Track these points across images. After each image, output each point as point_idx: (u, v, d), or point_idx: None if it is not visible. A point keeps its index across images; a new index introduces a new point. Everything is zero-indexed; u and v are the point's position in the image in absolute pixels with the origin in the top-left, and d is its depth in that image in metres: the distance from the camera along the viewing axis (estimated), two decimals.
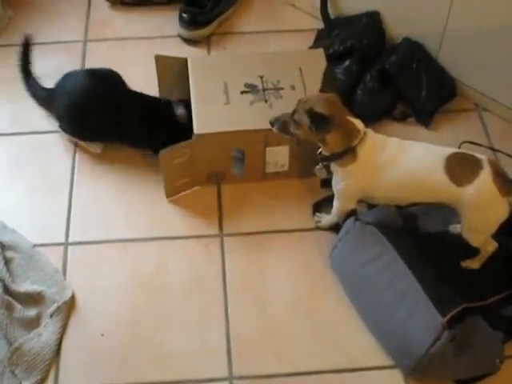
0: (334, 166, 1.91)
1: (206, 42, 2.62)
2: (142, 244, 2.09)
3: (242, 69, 2.18)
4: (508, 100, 2.37)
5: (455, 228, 2.01)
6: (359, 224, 1.95)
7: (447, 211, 1.91)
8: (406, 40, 2.46)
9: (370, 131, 1.87)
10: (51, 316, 1.91)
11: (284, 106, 2.02)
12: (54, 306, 1.91)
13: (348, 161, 1.85)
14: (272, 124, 1.91)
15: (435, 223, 2.04)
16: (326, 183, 2.06)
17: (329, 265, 2.03)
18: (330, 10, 2.61)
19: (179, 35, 2.61)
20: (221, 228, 2.12)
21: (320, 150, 1.92)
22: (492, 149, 2.29)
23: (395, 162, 1.84)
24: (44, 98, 2.30)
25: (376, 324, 1.89)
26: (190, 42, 2.61)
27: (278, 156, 2.12)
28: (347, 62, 2.40)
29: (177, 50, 2.57)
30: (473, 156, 1.82)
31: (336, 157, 1.86)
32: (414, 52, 2.44)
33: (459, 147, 2.19)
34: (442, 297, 1.79)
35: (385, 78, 2.39)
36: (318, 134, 1.83)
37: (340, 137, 1.83)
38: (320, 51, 2.27)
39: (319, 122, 1.80)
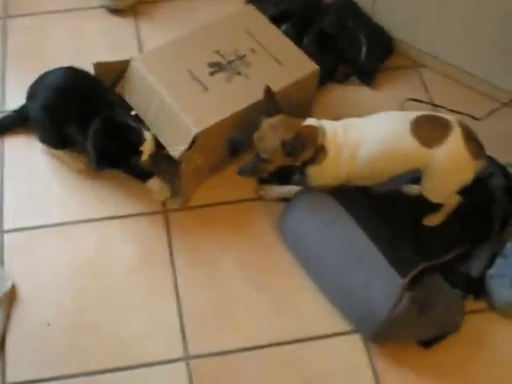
0: (307, 171, 1.86)
1: (132, 11, 2.50)
2: (80, 226, 1.99)
3: (194, 51, 2.07)
4: (445, 54, 2.34)
5: (410, 188, 1.99)
6: (311, 192, 1.90)
7: None
8: None
9: (325, 122, 1.83)
10: None
11: (259, 70, 2.01)
12: None
13: (320, 158, 1.81)
14: (242, 174, 1.86)
15: (386, 183, 2.00)
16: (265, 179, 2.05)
17: (279, 235, 1.97)
18: None
19: (103, 6, 2.49)
20: (164, 204, 2.03)
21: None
22: (434, 105, 2.26)
23: (362, 140, 1.81)
24: (18, 118, 2.13)
25: (334, 290, 1.85)
26: (115, 12, 2.49)
27: None
28: (284, 27, 2.32)
29: (101, 22, 2.47)
30: (440, 117, 1.80)
31: (309, 161, 1.82)
32: (348, 10, 2.40)
33: (403, 105, 2.16)
34: (400, 258, 1.76)
35: (323, 40, 2.33)
36: (296, 158, 1.80)
37: (309, 146, 1.79)
38: (251, 8, 2.22)
39: (295, 150, 1.77)
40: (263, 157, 1.80)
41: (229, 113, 1.93)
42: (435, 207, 1.92)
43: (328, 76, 2.31)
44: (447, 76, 2.36)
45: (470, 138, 1.77)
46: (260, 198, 2.06)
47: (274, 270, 1.93)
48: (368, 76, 2.34)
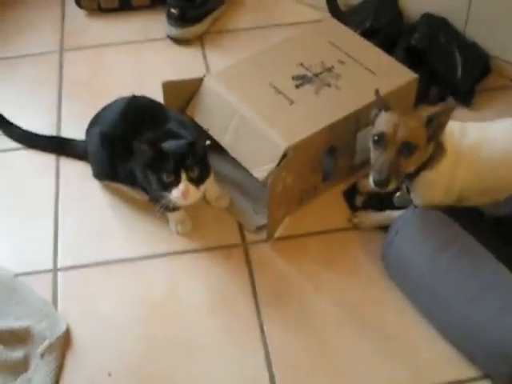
0: (419, 179, 1.57)
1: (198, 41, 2.30)
2: (145, 263, 1.71)
3: (275, 65, 1.85)
4: None
5: None
6: (420, 210, 1.60)
7: None
8: (427, 16, 2.18)
9: None
10: (42, 356, 1.50)
11: (349, 82, 1.77)
12: (45, 344, 1.52)
13: (438, 158, 1.54)
14: (379, 178, 1.49)
15: (499, 206, 1.69)
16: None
17: (381, 268, 1.65)
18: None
19: (168, 36, 2.30)
20: (242, 235, 1.74)
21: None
22: None
23: (483, 142, 1.55)
24: (78, 147, 1.90)
25: (454, 327, 1.50)
26: (180, 42, 2.29)
27: (367, 138, 1.68)
28: None
29: (166, 52, 2.28)
30: None
31: (427, 162, 1.54)
32: (438, 27, 2.15)
33: None
34: None
35: (413, 57, 2.07)
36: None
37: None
38: (330, 19, 2.06)
39: (441, 126, 1.50)
40: (410, 145, 1.48)
41: (320, 126, 1.67)
42: None
43: (419, 97, 2.03)
44: None
45: None
46: (354, 228, 1.75)
47: (379, 308, 1.60)
48: (466, 96, 2.06)
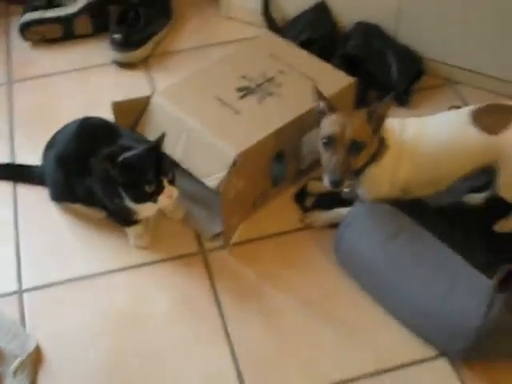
0: (366, 174, 1.66)
1: (143, 64, 2.37)
2: (107, 277, 1.76)
3: (218, 79, 1.93)
4: (482, 67, 2.19)
5: (472, 197, 1.79)
6: (369, 204, 1.69)
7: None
8: (360, 24, 2.29)
9: None
10: (15, 374, 1.54)
11: (290, 90, 1.87)
12: (17, 362, 1.55)
13: (382, 153, 1.63)
14: (334, 178, 1.57)
15: (441, 196, 1.79)
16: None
17: (334, 261, 1.73)
18: (273, 14, 2.42)
19: (114, 61, 2.36)
20: (200, 244, 1.81)
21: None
22: None
23: (423, 134, 1.65)
24: (34, 173, 1.95)
25: (409, 311, 1.59)
26: (126, 66, 2.35)
27: (312, 142, 1.79)
28: None
29: (113, 77, 2.34)
30: (499, 103, 1.64)
31: (373, 156, 1.63)
32: (372, 34, 2.26)
33: None
34: (481, 263, 1.53)
35: (349, 64, 2.17)
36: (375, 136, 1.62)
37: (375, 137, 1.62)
38: (268, 33, 2.16)
39: (382, 118, 1.60)
40: (358, 143, 1.56)
41: (266, 132, 1.75)
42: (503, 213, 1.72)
43: (359, 101, 2.13)
44: (487, 90, 2.19)
45: None
46: (307, 227, 1.83)
47: (336, 299, 1.68)
48: (403, 96, 2.17)
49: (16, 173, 1.99)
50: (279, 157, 1.84)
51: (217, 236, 1.81)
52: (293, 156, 1.88)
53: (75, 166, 1.74)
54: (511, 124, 1.58)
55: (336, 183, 1.57)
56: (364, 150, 1.58)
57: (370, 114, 1.57)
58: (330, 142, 1.58)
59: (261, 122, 1.79)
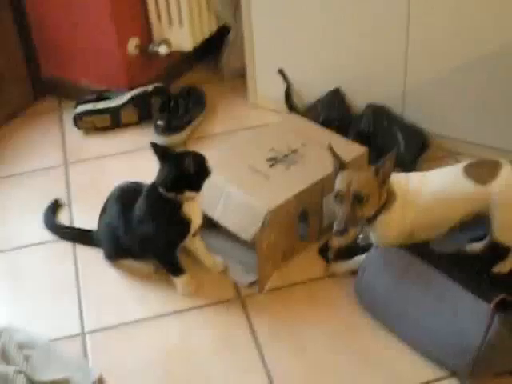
0: (376, 223, 1.92)
1: (182, 147, 2.69)
2: (158, 320, 2.02)
3: (250, 151, 2.26)
4: (480, 139, 2.50)
5: (473, 246, 2.06)
6: (380, 249, 1.96)
7: (456, 234, 1.99)
8: (370, 105, 2.62)
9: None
10: None
11: (312, 159, 2.19)
12: None
13: (390, 204, 1.89)
14: (339, 229, 1.83)
15: (447, 246, 2.05)
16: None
17: (355, 301, 2.00)
18: (294, 102, 2.77)
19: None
20: (238, 291, 2.09)
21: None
22: None
23: (424, 186, 1.92)
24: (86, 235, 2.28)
25: (421, 336, 1.83)
26: None
27: (331, 203, 2.06)
28: None
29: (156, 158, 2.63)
30: (487, 159, 1.93)
31: (383, 207, 1.89)
32: (381, 113, 2.59)
33: None
34: (480, 290, 1.77)
35: (362, 140, 2.48)
36: (381, 189, 1.87)
37: (383, 189, 1.88)
38: (292, 115, 2.53)
39: (388, 173, 1.86)
40: (360, 196, 1.82)
41: (292, 193, 2.06)
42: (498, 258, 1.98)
43: None
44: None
45: None
46: (331, 276, 2.10)
47: (357, 333, 1.94)
48: (409, 167, 2.46)
49: (76, 235, 2.29)
50: (304, 214, 2.13)
51: (253, 284, 2.08)
52: (315, 215, 2.17)
53: (119, 222, 2.05)
54: (498, 176, 1.85)
55: (339, 232, 1.83)
56: (369, 200, 1.83)
57: (377, 168, 1.85)
58: (338, 196, 1.86)
59: (287, 185, 2.09)
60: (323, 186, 2.12)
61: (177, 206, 1.96)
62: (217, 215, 2.10)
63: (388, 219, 1.91)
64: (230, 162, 2.22)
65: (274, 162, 2.19)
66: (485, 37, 2.32)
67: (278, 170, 2.16)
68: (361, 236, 2.06)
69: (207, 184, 2.06)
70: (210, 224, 2.13)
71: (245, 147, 2.31)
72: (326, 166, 2.03)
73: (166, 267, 2.07)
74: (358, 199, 1.83)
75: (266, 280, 2.09)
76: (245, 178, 2.13)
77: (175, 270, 2.06)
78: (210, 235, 2.18)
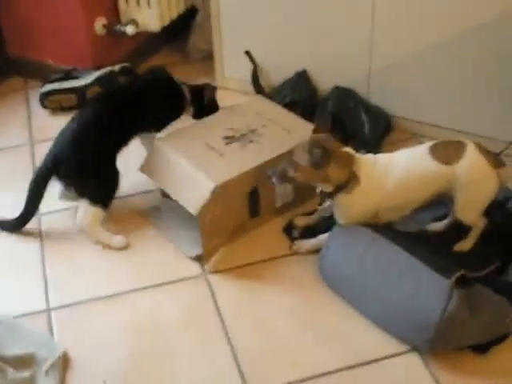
0: (338, 200, 1.96)
1: None
2: (125, 297, 2.04)
3: (209, 129, 2.29)
4: (441, 121, 2.54)
5: (435, 225, 2.10)
6: (344, 228, 1.99)
7: (418, 214, 2.03)
8: (337, 88, 2.64)
9: (359, 155, 1.98)
10: (46, 373, 1.79)
11: (268, 139, 2.21)
12: (48, 363, 1.81)
13: (353, 186, 1.92)
14: (270, 175, 1.98)
15: (410, 225, 2.09)
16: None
17: (318, 278, 2.03)
18: (261, 83, 2.79)
19: None
20: (202, 267, 2.11)
21: (320, 189, 1.99)
22: None
23: (391, 169, 1.94)
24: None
25: (382, 312, 1.87)
26: None
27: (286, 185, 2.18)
28: None
29: None
30: (452, 140, 1.96)
31: (341, 187, 1.93)
32: (347, 96, 2.62)
33: None
34: (441, 266, 1.81)
35: (328, 123, 2.51)
36: (320, 169, 1.90)
37: (341, 166, 1.91)
38: (258, 96, 2.57)
39: (319, 161, 1.88)
40: (293, 162, 1.90)
41: (243, 170, 2.09)
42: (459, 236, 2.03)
43: None
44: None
45: (485, 150, 1.91)
46: (295, 253, 2.13)
47: (319, 309, 1.97)
48: (374, 149, 2.50)
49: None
50: (254, 192, 2.16)
51: (199, 256, 2.12)
52: (266, 193, 2.19)
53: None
54: (463, 156, 1.89)
55: (269, 174, 1.98)
56: (297, 171, 1.92)
57: (311, 153, 1.89)
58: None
59: (240, 162, 2.13)
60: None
61: None
62: (168, 189, 2.15)
63: (349, 201, 1.94)
64: (186, 138, 2.25)
65: (230, 140, 2.22)
66: (447, 22, 2.37)
67: (233, 148, 2.19)
68: (320, 208, 2.11)
69: (159, 159, 2.14)
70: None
71: (204, 125, 2.33)
72: (280, 146, 2.10)
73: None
74: (291, 164, 1.92)
75: (211, 254, 2.13)
76: (198, 154, 2.16)
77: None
78: (167, 206, 2.24)
